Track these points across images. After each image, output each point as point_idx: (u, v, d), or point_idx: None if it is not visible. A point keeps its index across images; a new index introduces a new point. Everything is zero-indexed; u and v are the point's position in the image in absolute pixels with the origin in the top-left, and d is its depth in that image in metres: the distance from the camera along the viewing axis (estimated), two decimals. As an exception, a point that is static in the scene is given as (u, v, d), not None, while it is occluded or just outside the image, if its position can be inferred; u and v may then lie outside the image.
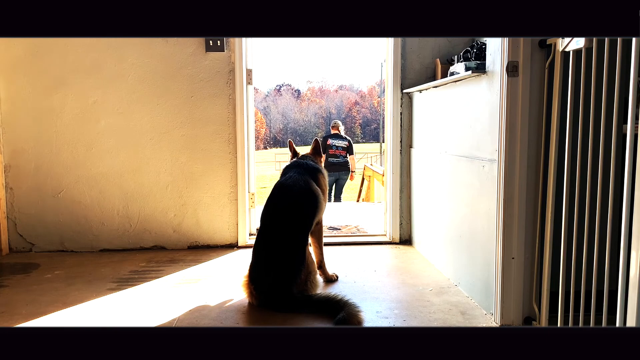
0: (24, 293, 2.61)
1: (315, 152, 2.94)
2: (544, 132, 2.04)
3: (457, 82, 2.67)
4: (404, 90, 3.51)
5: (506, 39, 2.05)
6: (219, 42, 3.38)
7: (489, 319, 2.24)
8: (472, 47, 2.83)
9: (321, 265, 2.76)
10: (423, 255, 3.32)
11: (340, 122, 8.06)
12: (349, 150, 7.58)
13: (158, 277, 2.87)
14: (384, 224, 3.81)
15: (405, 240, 3.67)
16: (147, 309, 2.40)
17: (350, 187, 10.55)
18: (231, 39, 3.41)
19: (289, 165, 2.78)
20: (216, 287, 2.70)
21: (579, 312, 1.78)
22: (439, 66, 3.34)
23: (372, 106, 59.44)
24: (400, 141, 3.60)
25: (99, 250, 3.48)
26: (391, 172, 3.64)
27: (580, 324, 1.79)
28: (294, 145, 3.02)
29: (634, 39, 1.39)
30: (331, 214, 4.76)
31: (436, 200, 3.06)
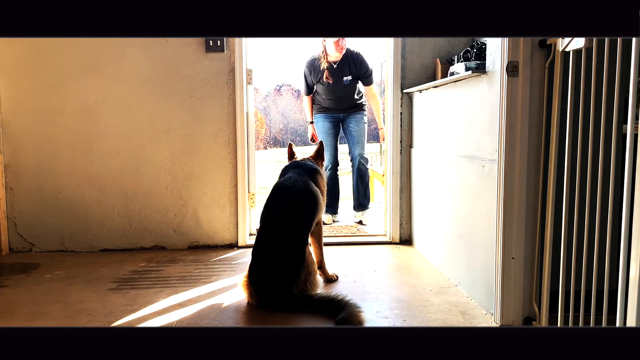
0: (24, 293, 2.61)
1: (318, 156, 2.89)
2: (544, 132, 2.04)
3: (457, 82, 2.66)
4: (404, 90, 3.51)
5: (506, 39, 2.05)
6: (219, 42, 3.38)
7: (489, 319, 2.24)
8: (472, 47, 2.83)
9: (321, 266, 2.76)
10: (423, 255, 3.32)
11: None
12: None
13: (158, 277, 2.87)
14: (384, 224, 3.81)
15: (406, 240, 3.67)
16: (147, 309, 2.40)
17: (349, 187, 10.43)
18: (231, 39, 3.41)
19: (288, 165, 2.78)
20: (216, 287, 2.70)
21: (579, 312, 1.78)
22: (439, 66, 3.34)
23: (372, 106, 59.34)
24: (400, 141, 3.60)
25: (99, 250, 3.48)
26: (391, 172, 3.64)
27: (580, 324, 1.79)
28: (292, 149, 2.96)
29: (634, 39, 1.39)
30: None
31: (436, 200, 3.06)
